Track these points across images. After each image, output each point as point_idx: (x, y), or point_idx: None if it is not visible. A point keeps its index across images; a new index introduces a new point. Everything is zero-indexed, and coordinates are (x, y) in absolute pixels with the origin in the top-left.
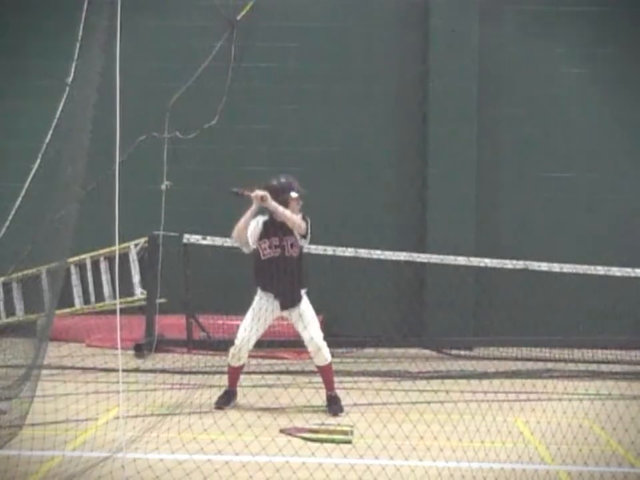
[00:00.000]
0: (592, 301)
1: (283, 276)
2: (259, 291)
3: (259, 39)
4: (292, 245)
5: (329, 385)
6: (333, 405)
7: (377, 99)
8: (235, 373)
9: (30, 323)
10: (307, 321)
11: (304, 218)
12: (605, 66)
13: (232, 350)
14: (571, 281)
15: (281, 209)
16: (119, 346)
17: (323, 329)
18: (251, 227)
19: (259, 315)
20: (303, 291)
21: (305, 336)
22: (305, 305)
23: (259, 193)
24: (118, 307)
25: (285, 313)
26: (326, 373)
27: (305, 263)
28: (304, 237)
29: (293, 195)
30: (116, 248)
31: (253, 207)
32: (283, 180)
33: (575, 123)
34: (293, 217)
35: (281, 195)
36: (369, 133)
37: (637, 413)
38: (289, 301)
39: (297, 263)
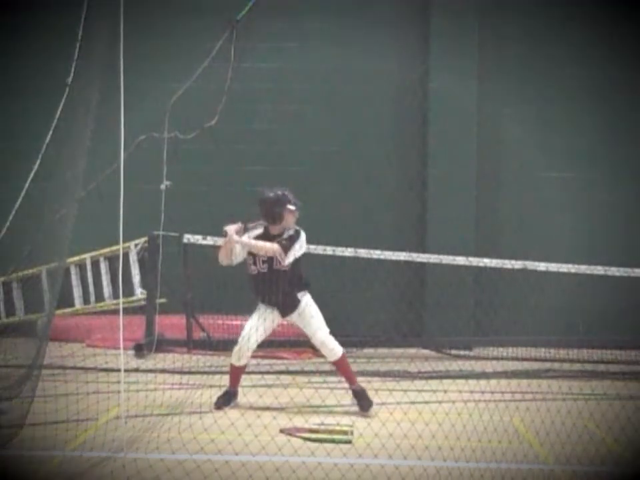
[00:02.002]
0: (591, 301)
1: (274, 289)
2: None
3: (258, 39)
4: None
5: (349, 380)
6: (361, 402)
7: (377, 99)
8: (236, 373)
9: (30, 322)
10: (313, 321)
11: (297, 232)
12: (605, 66)
13: (235, 348)
14: (569, 281)
15: (251, 242)
16: (121, 345)
17: None
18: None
19: (265, 315)
20: (300, 294)
21: (314, 336)
22: (308, 305)
23: (225, 229)
24: (121, 306)
25: (288, 318)
26: (342, 368)
27: (299, 269)
28: (285, 254)
29: (290, 207)
30: (120, 247)
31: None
32: (279, 192)
33: (574, 123)
34: (265, 247)
35: (277, 208)
36: (368, 133)
37: (633, 412)
38: (287, 310)
39: (288, 273)
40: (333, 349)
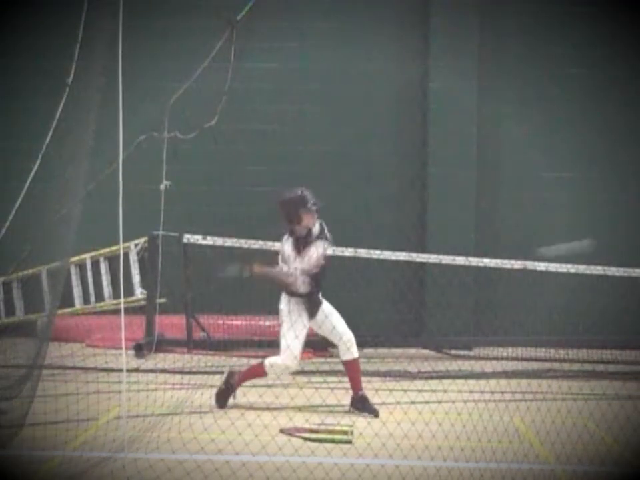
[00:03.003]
0: (590, 301)
1: (307, 290)
2: (287, 300)
3: (258, 39)
4: None
5: (356, 384)
6: (365, 407)
7: (376, 98)
8: (255, 377)
9: (30, 322)
10: (331, 317)
11: (321, 232)
12: (605, 66)
13: (279, 364)
14: (569, 281)
15: (273, 277)
16: (123, 345)
17: None
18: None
19: (293, 318)
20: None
21: (334, 331)
22: (327, 306)
23: (249, 267)
24: (122, 306)
25: (312, 323)
26: (352, 369)
27: (325, 269)
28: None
29: (310, 207)
30: (120, 247)
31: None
32: (297, 193)
33: (574, 122)
34: (285, 281)
35: (298, 209)
36: (368, 133)
37: (632, 411)
38: (315, 310)
39: (316, 276)
40: (352, 346)
